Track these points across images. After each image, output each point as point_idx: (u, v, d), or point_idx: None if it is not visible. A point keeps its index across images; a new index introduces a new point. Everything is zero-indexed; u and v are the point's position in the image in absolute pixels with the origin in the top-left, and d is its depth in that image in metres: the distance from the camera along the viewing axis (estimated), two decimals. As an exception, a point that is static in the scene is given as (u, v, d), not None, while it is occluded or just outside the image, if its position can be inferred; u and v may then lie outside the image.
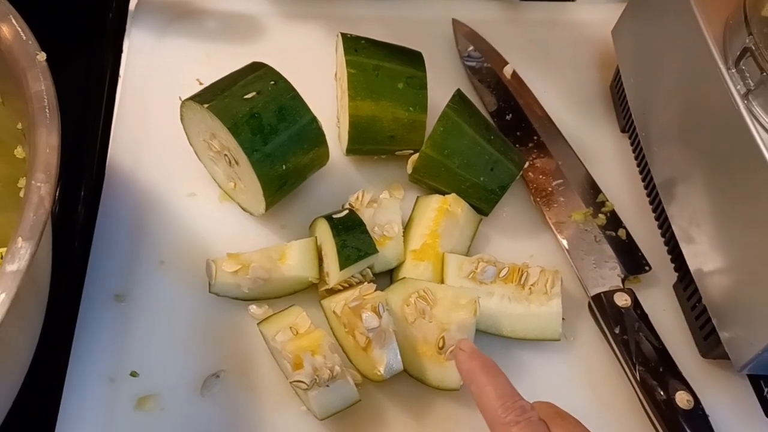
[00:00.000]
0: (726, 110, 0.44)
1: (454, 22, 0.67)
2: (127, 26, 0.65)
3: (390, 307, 0.47)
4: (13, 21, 0.41)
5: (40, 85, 0.38)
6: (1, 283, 0.31)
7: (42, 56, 0.40)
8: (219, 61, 0.62)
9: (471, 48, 0.65)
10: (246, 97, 0.49)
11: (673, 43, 0.51)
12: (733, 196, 0.45)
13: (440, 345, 0.46)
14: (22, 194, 0.45)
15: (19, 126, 0.46)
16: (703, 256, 0.48)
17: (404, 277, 0.50)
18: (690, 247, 0.49)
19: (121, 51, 0.64)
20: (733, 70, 0.45)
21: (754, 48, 0.43)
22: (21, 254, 0.32)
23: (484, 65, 0.65)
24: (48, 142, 0.36)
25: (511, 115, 0.62)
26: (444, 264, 0.51)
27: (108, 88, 0.62)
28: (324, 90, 0.61)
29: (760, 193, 0.42)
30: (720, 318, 0.46)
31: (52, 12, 0.63)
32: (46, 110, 0.37)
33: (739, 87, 0.44)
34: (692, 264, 0.49)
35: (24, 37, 0.40)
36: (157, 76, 0.62)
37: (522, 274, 0.50)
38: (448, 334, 0.46)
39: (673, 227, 0.51)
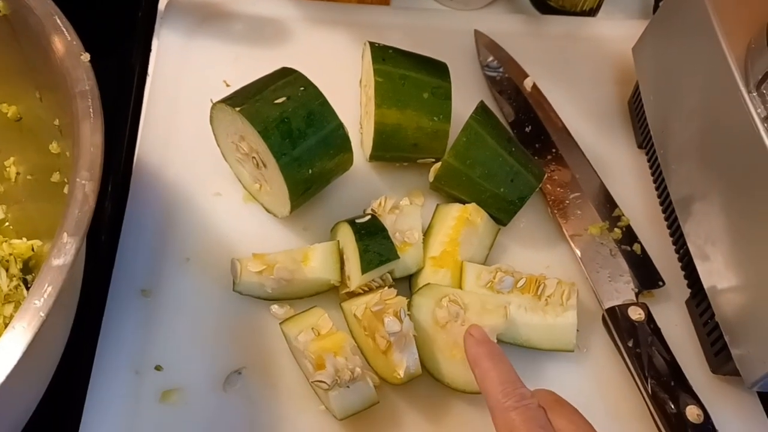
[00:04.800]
0: (746, 133, 0.45)
1: (476, 33, 0.68)
2: (157, 26, 0.66)
3: (419, 311, 0.48)
4: (58, 21, 0.42)
5: (85, 85, 0.39)
6: (48, 276, 0.32)
7: (86, 56, 0.41)
8: (246, 64, 0.64)
9: (492, 59, 0.67)
10: (276, 101, 0.51)
11: (695, 64, 0.52)
12: (750, 216, 0.46)
13: None
14: (57, 190, 0.46)
15: (56, 122, 0.47)
16: (717, 274, 0.49)
17: (429, 283, 0.51)
18: (705, 264, 0.50)
19: (150, 50, 0.65)
20: (754, 94, 0.46)
21: (775, 73, 0.44)
22: (67, 249, 0.33)
23: (505, 77, 0.66)
24: (92, 141, 0.37)
25: (530, 127, 0.63)
26: (463, 272, 0.52)
27: (136, 88, 0.63)
28: (347, 95, 0.62)
29: (777, 215, 0.43)
30: (732, 335, 0.48)
31: (82, 10, 0.64)
32: (90, 110, 0.39)
33: (759, 110, 0.45)
34: (706, 281, 0.50)
35: (69, 37, 0.41)
36: (186, 77, 0.63)
37: (539, 285, 0.52)
38: None
39: (689, 244, 0.52)
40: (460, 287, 0.52)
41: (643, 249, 0.56)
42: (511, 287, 0.52)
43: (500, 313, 0.48)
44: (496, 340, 0.47)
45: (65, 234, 0.34)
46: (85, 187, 0.35)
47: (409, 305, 0.49)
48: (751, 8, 0.49)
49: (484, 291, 0.52)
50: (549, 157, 0.61)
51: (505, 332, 0.50)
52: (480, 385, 0.41)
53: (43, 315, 0.31)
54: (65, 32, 0.41)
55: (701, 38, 0.50)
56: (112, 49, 0.66)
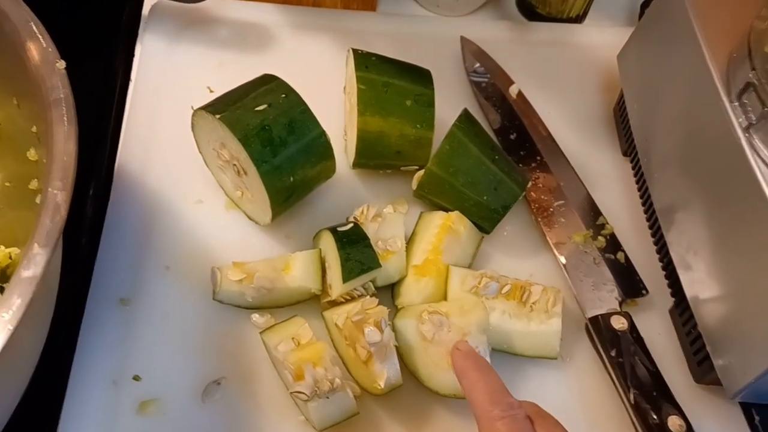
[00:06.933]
0: (727, 142, 0.45)
1: (463, 39, 0.68)
2: (140, 31, 0.66)
3: (405, 332, 0.48)
4: (34, 28, 0.42)
5: (59, 93, 0.39)
6: (18, 289, 0.32)
7: (61, 64, 0.40)
8: (230, 70, 0.63)
9: (478, 66, 0.66)
10: (257, 109, 0.50)
11: (678, 72, 0.52)
12: (731, 226, 0.46)
13: None
14: (35, 197, 0.46)
15: (34, 129, 0.46)
16: (699, 284, 0.49)
17: (404, 306, 0.51)
18: (687, 273, 0.50)
19: (133, 55, 0.64)
20: (736, 103, 0.46)
21: (756, 83, 0.44)
22: (37, 260, 0.33)
23: (491, 83, 0.66)
24: (65, 150, 0.37)
25: (515, 134, 0.63)
26: (448, 276, 0.52)
27: (119, 92, 0.62)
28: (332, 102, 0.62)
29: (758, 224, 0.43)
30: (714, 345, 0.47)
31: (65, 14, 0.64)
32: (65, 118, 0.38)
33: (740, 120, 0.45)
34: (689, 291, 0.50)
35: (44, 45, 0.41)
36: (168, 82, 0.62)
37: (524, 292, 0.51)
38: (469, 337, 0.47)
39: (671, 253, 0.52)
40: (445, 293, 0.52)
41: (626, 257, 0.56)
42: (496, 293, 0.52)
43: (480, 307, 0.48)
44: (485, 337, 0.47)
45: (36, 245, 0.33)
46: (57, 196, 0.35)
47: (393, 325, 0.49)
48: (734, 18, 0.49)
49: (469, 296, 0.51)
50: (534, 164, 0.61)
51: (489, 339, 0.50)
52: (467, 395, 0.41)
53: (11, 328, 0.31)
54: (41, 39, 0.41)
55: (684, 47, 0.51)
56: (95, 54, 0.65)
